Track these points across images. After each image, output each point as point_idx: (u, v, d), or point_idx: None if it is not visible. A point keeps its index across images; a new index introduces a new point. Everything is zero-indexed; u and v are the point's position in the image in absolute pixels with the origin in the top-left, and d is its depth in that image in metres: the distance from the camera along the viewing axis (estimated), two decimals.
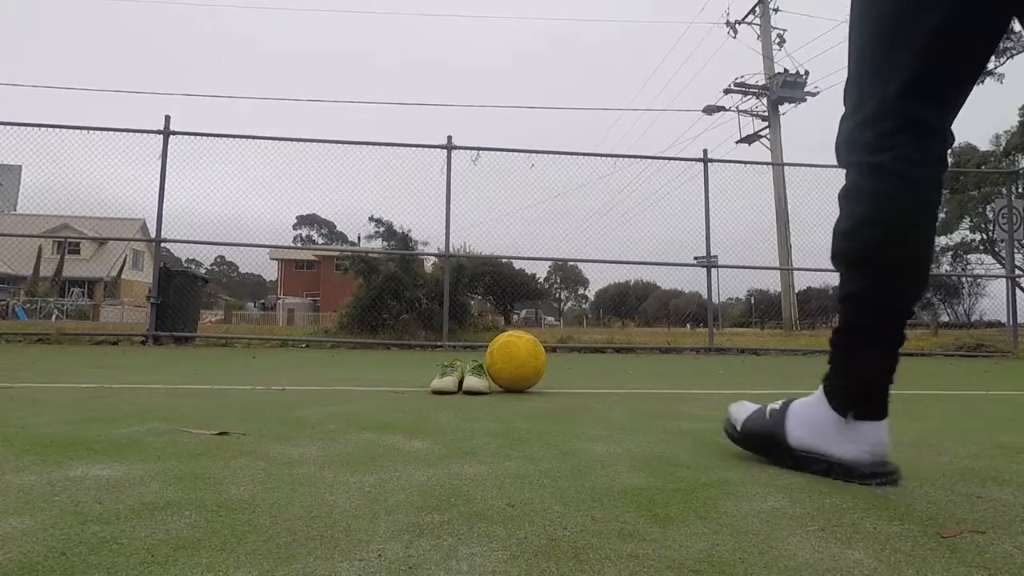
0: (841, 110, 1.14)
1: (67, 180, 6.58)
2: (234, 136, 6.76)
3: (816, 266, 8.06)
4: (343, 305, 8.04)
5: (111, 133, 6.52)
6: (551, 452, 1.27)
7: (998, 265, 24.95)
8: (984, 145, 30.78)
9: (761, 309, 22.84)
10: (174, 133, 6.49)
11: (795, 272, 14.30)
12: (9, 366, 3.21)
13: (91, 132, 6.50)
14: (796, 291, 16.24)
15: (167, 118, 6.52)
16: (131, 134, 6.53)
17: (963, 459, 1.30)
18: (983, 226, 29.18)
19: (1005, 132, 28.74)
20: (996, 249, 27.69)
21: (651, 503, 0.92)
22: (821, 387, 1.12)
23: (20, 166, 7.41)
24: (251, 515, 0.82)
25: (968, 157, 29.63)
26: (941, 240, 32.06)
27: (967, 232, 31.35)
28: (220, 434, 1.38)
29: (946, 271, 30.26)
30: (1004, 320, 8.04)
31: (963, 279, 29.07)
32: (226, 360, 4.18)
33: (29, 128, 6.47)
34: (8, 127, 6.41)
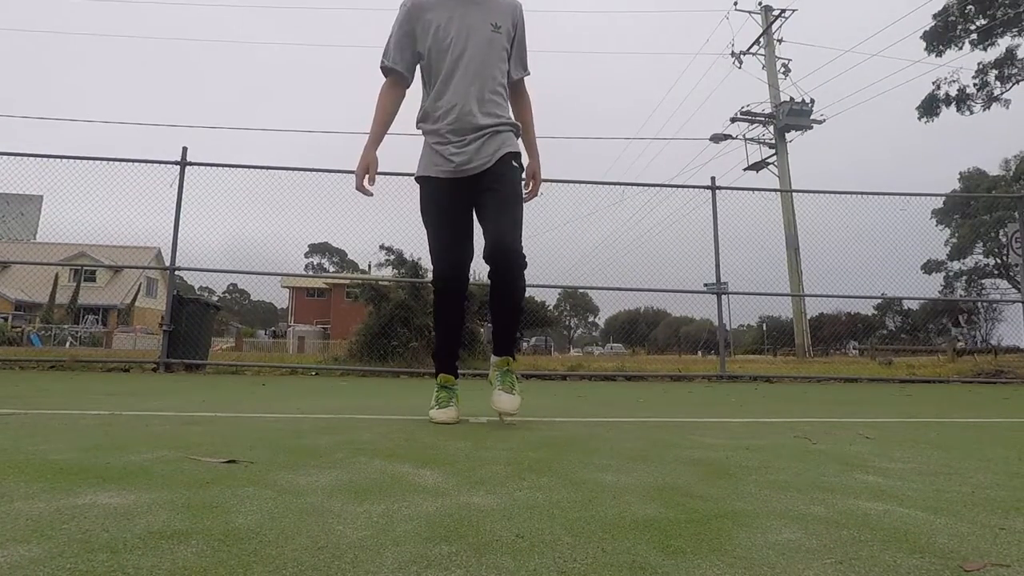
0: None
1: (85, 209, 6.72)
2: (249, 167, 6.89)
3: (827, 292, 7.98)
4: (353, 332, 8.06)
5: (129, 164, 6.68)
6: (561, 482, 1.26)
7: (1014, 290, 24.62)
8: (994, 170, 30.76)
9: (773, 336, 22.61)
10: (190, 164, 6.62)
11: (807, 298, 14.18)
12: (23, 392, 3.24)
13: (110, 163, 6.67)
14: (808, 317, 16.08)
15: (184, 149, 6.66)
16: (148, 164, 6.69)
17: (985, 489, 1.26)
18: (996, 250, 28.94)
19: (1014, 156, 28.71)
20: (1012, 274, 27.35)
21: (663, 535, 0.90)
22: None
23: (41, 196, 7.57)
24: (258, 545, 0.82)
25: (978, 182, 29.55)
26: (955, 265, 31.78)
27: (980, 256, 31.09)
28: (228, 462, 1.37)
29: (960, 296, 29.87)
30: (1022, 345, 7.89)
31: (979, 304, 28.69)
32: (236, 387, 4.19)
33: (50, 159, 6.64)
34: (31, 158, 6.59)
